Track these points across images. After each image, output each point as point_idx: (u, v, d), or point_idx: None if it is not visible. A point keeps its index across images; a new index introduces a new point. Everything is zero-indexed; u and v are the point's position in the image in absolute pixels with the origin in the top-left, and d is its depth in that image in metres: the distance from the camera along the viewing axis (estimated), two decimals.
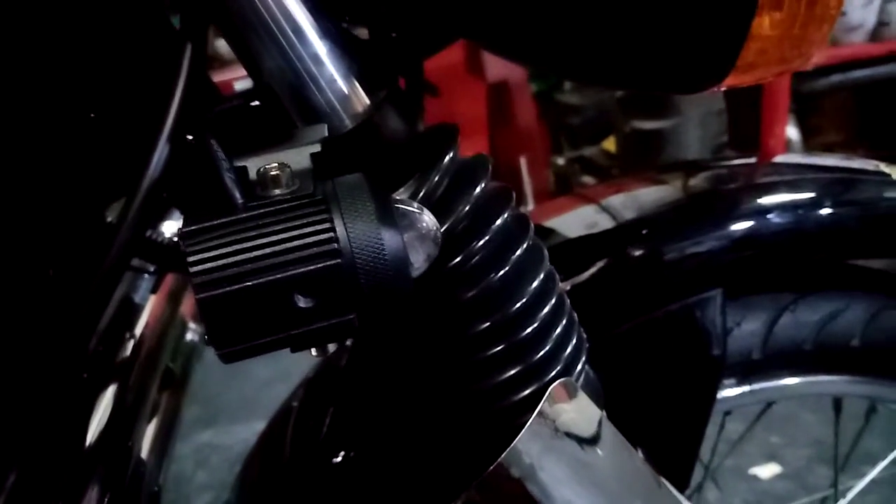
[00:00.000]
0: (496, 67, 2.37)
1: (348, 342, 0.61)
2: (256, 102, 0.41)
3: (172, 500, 1.64)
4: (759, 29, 0.30)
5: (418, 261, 0.36)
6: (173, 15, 0.41)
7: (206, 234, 0.32)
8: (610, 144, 2.55)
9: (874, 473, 0.80)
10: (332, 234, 0.33)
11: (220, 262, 0.32)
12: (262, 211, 0.33)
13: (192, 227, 0.33)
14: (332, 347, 0.38)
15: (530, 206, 2.40)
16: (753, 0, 0.29)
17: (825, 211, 0.63)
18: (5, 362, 0.43)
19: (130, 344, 0.61)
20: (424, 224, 0.36)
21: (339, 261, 0.33)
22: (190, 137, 0.39)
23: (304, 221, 0.33)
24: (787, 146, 2.11)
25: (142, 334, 0.63)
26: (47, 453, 0.47)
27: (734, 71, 0.31)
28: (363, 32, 0.44)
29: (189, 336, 0.74)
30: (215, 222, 0.33)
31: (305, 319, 0.33)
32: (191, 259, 0.32)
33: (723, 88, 0.33)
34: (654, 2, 0.32)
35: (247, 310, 0.32)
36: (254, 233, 0.33)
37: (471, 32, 0.40)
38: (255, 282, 0.32)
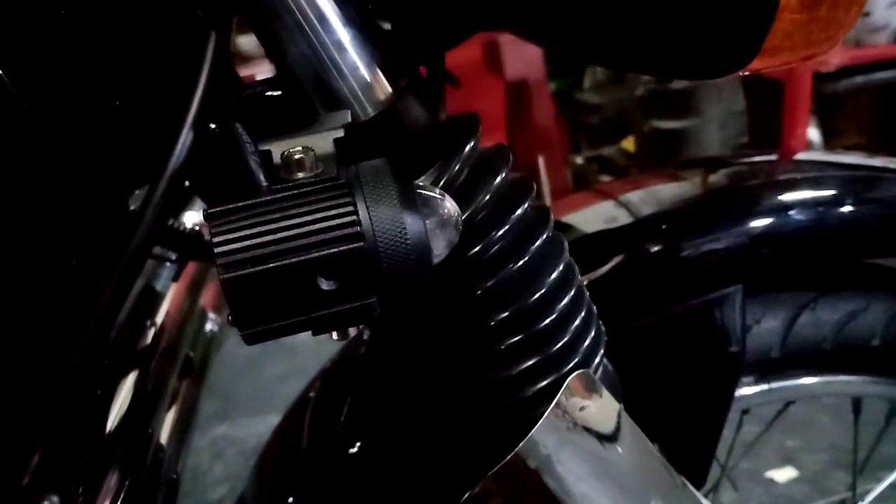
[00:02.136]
0: (515, 66, 2.37)
1: (366, 333, 0.61)
2: (279, 91, 0.42)
3: (189, 491, 1.66)
4: (786, 11, 0.29)
5: (439, 247, 0.36)
6: (199, 3, 0.41)
7: (231, 216, 0.33)
8: (629, 144, 2.54)
9: (893, 478, 0.79)
10: (354, 217, 0.33)
11: (245, 244, 0.32)
12: (286, 194, 0.33)
13: (217, 209, 0.33)
14: (352, 332, 0.38)
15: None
16: None
17: (846, 209, 0.62)
18: (30, 350, 0.43)
19: (151, 332, 0.62)
20: (446, 210, 0.36)
21: (361, 244, 0.33)
22: (213, 126, 0.39)
23: (328, 204, 0.33)
24: (809, 148, 2.09)
25: (162, 323, 0.64)
26: (69, 438, 0.47)
27: (760, 54, 0.31)
28: (387, 22, 0.44)
29: (209, 326, 0.75)
30: (240, 204, 0.33)
31: (328, 301, 0.33)
32: (216, 240, 0.32)
33: (747, 72, 0.33)
34: None
35: (270, 291, 0.32)
36: (278, 215, 0.33)
37: (495, 18, 0.40)
38: (278, 263, 0.32)
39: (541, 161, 2.47)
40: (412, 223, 0.34)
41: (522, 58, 2.35)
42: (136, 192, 0.45)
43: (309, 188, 0.34)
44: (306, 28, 0.38)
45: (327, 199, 0.33)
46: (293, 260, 0.32)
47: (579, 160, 2.75)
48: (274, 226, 0.33)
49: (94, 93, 0.41)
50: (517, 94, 2.47)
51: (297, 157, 0.34)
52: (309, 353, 0.53)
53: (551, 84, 2.67)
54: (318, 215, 0.33)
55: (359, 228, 0.33)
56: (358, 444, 0.59)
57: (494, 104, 2.40)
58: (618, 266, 0.62)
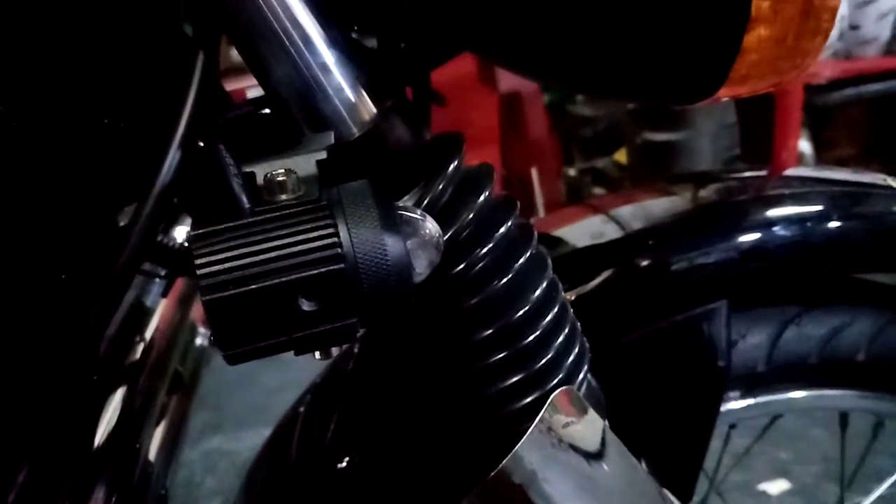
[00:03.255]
0: (509, 78, 2.38)
1: (356, 348, 0.61)
2: (266, 110, 0.42)
3: None
4: (752, 41, 0.30)
5: (420, 266, 0.37)
6: (186, 23, 0.42)
7: (214, 238, 0.33)
8: (621, 156, 2.55)
9: (882, 490, 0.80)
10: (335, 238, 0.33)
11: (227, 265, 0.33)
12: (268, 216, 0.34)
13: (200, 231, 0.33)
14: (335, 351, 0.38)
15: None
16: (746, 13, 0.30)
17: (833, 224, 0.63)
18: (18, 364, 0.43)
19: (140, 347, 0.62)
20: (427, 231, 0.37)
21: (342, 265, 0.33)
22: (201, 144, 0.40)
23: (309, 226, 0.34)
24: (800, 160, 2.10)
25: (152, 338, 0.64)
26: (56, 453, 0.47)
27: (728, 83, 0.32)
28: (372, 43, 0.45)
29: (199, 341, 0.75)
30: (222, 226, 0.33)
31: (309, 322, 0.34)
32: (198, 262, 0.33)
33: (724, 99, 0.33)
34: (648, 14, 0.32)
35: (252, 312, 0.33)
36: (260, 237, 0.33)
37: (473, 44, 0.41)
38: (260, 285, 0.33)
39: (534, 173, 2.48)
40: (393, 244, 0.34)
41: (521, 77, 2.36)
42: (126, 208, 0.46)
43: (290, 210, 0.34)
44: (291, 50, 0.39)
45: (308, 221, 0.34)
46: (275, 281, 0.33)
47: (572, 172, 2.76)
48: (256, 248, 0.33)
49: (84, 110, 0.41)
50: (511, 106, 2.48)
51: (279, 179, 0.35)
52: (302, 366, 0.53)
53: (545, 96, 2.68)
54: (300, 237, 0.33)
55: (339, 250, 0.33)
56: (346, 458, 0.59)
57: (488, 116, 2.41)
58: (606, 281, 0.62)
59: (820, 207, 0.64)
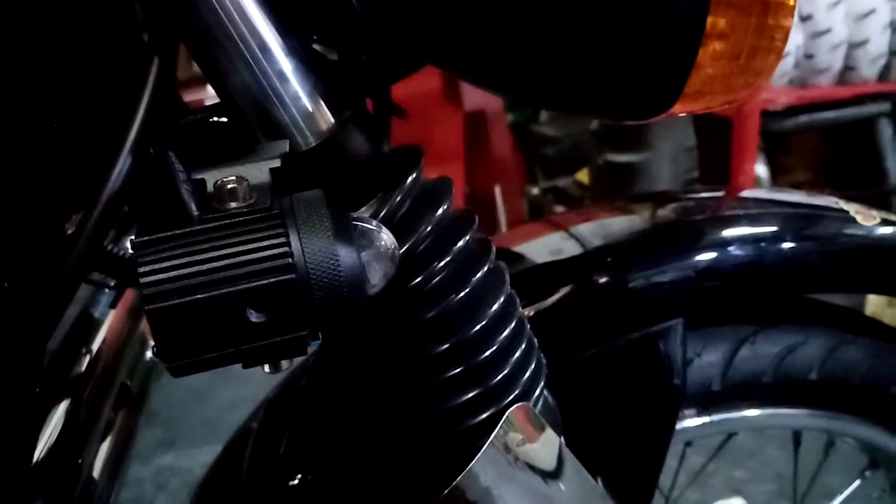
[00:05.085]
0: (473, 97, 2.40)
1: (309, 362, 0.60)
2: (222, 118, 0.41)
3: None
4: (707, 56, 0.30)
5: (375, 279, 0.36)
6: (144, 30, 0.41)
7: (159, 245, 0.32)
8: (583, 176, 2.58)
9: None
10: (286, 248, 0.33)
11: (171, 274, 0.32)
12: (216, 224, 0.33)
13: (145, 238, 0.32)
14: (285, 364, 0.37)
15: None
16: (700, 30, 0.30)
17: (786, 245, 0.64)
18: None
19: (86, 359, 0.60)
20: (382, 242, 0.36)
21: (292, 276, 0.32)
22: (153, 150, 0.39)
23: (259, 235, 0.33)
24: (756, 183, 2.15)
25: (98, 350, 0.62)
26: None
27: (682, 98, 0.32)
28: (334, 55, 0.44)
29: (148, 354, 0.73)
30: (168, 234, 0.32)
31: (257, 334, 0.33)
32: (141, 269, 0.32)
33: (681, 115, 0.34)
34: (605, 28, 0.32)
35: (197, 323, 0.32)
36: (207, 245, 0.32)
37: (432, 55, 0.41)
38: (206, 294, 0.32)
39: (497, 191, 2.49)
40: (346, 255, 0.33)
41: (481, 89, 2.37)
42: (74, 216, 0.44)
43: (240, 218, 0.33)
44: (248, 57, 0.38)
45: (258, 229, 0.33)
46: (221, 291, 0.32)
47: (535, 191, 2.78)
48: (202, 256, 0.32)
49: (34, 114, 0.40)
50: (475, 124, 2.50)
51: (229, 186, 0.34)
52: (259, 381, 0.52)
53: (509, 116, 2.70)
54: (249, 246, 0.32)
55: (290, 260, 0.33)
56: (298, 476, 0.58)
57: (453, 134, 2.42)
58: (564, 297, 0.62)
59: (774, 228, 0.65)
